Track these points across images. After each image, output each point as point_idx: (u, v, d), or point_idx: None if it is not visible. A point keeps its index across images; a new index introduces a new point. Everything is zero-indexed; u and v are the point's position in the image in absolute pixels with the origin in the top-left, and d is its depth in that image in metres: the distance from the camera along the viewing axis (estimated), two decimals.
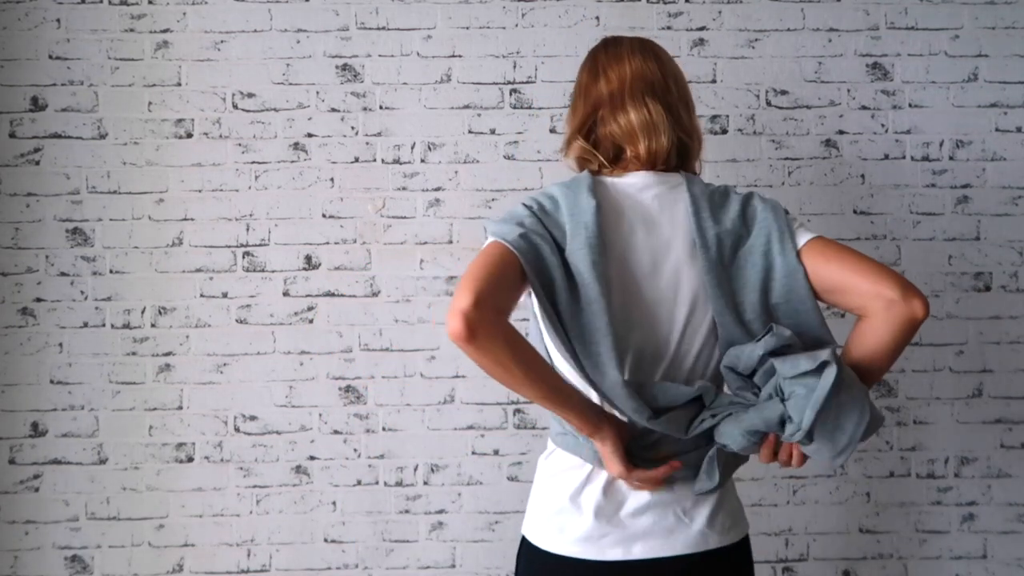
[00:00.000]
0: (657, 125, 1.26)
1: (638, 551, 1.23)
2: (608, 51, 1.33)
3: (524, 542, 1.33)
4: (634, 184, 1.27)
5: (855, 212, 1.99)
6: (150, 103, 1.97)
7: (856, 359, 1.23)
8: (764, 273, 1.24)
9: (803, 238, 1.24)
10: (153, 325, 1.95)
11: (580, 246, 1.19)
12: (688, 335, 1.24)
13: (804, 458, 1.21)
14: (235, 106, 1.97)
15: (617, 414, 1.23)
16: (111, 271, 1.95)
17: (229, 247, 1.96)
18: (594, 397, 1.23)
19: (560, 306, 1.19)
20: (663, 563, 1.23)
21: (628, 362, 1.23)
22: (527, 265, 1.16)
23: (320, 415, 1.96)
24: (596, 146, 1.30)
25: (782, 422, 1.16)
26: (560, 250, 1.21)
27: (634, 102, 1.27)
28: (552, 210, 1.24)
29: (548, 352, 1.28)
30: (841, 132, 1.99)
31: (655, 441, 1.25)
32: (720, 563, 1.26)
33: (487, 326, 1.10)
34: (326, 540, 1.95)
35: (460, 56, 1.98)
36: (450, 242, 1.97)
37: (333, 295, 1.96)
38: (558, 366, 1.27)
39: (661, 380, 1.24)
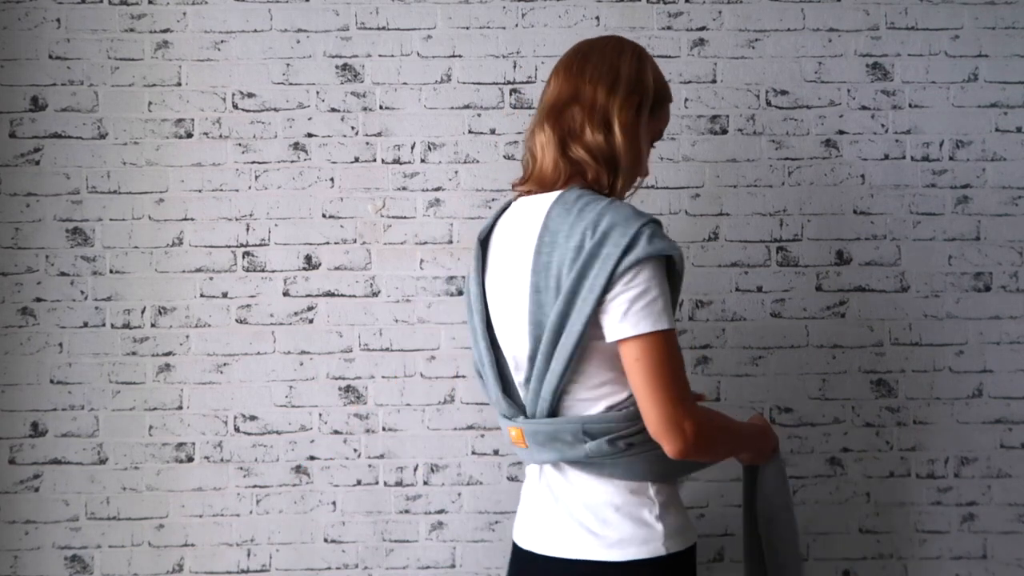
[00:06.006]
0: (544, 149, 1.29)
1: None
2: (556, 65, 1.36)
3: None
4: (519, 204, 1.35)
5: (855, 212, 1.99)
6: (150, 103, 1.97)
7: None
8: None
9: (641, 327, 1.18)
10: (153, 325, 1.95)
11: (472, 271, 1.38)
12: (518, 354, 1.30)
13: None
14: (235, 106, 1.97)
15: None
16: (111, 271, 1.95)
17: (229, 247, 1.96)
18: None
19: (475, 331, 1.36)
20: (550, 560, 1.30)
21: (504, 376, 1.34)
22: None
23: (320, 415, 1.96)
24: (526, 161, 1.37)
25: None
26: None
27: (539, 124, 1.32)
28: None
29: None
30: (841, 132, 1.99)
31: None
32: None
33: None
34: (326, 540, 1.95)
35: (460, 56, 1.98)
36: (450, 242, 1.97)
37: (333, 295, 1.96)
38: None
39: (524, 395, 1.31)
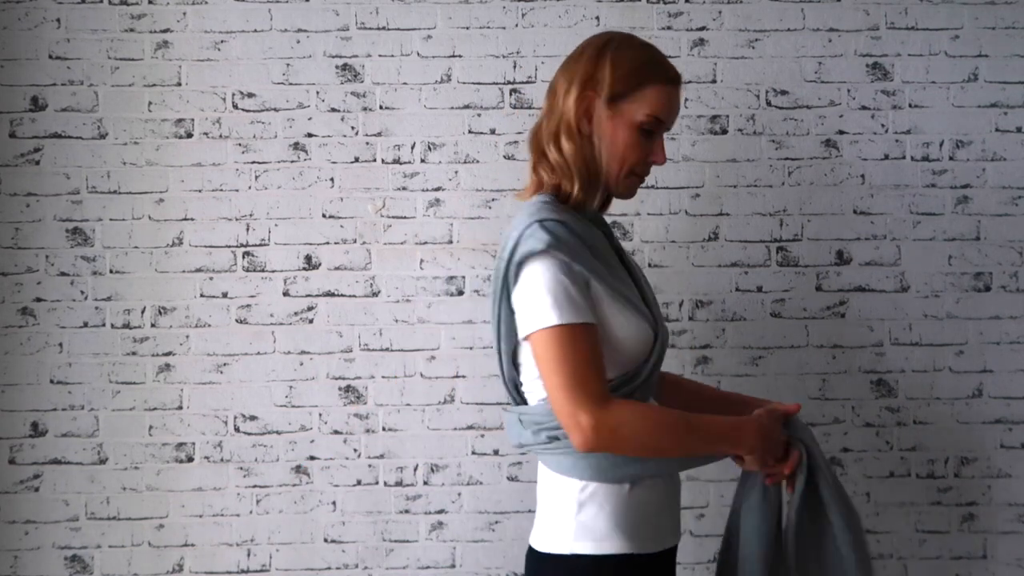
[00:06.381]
0: (528, 164, 1.40)
1: None
2: None
3: None
4: None
5: (855, 212, 1.99)
6: (150, 103, 1.97)
7: None
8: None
9: (532, 324, 1.22)
10: (153, 325, 1.95)
11: None
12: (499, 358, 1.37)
13: None
14: (235, 106, 1.97)
15: None
16: (111, 271, 1.95)
17: (229, 247, 1.96)
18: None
19: None
20: None
21: None
22: None
23: (320, 415, 1.96)
24: None
25: None
26: None
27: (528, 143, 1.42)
28: None
29: None
30: (841, 132, 1.99)
31: None
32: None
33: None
34: (326, 540, 1.95)
35: (460, 56, 1.98)
36: (450, 242, 1.97)
37: (333, 295, 1.96)
38: None
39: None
